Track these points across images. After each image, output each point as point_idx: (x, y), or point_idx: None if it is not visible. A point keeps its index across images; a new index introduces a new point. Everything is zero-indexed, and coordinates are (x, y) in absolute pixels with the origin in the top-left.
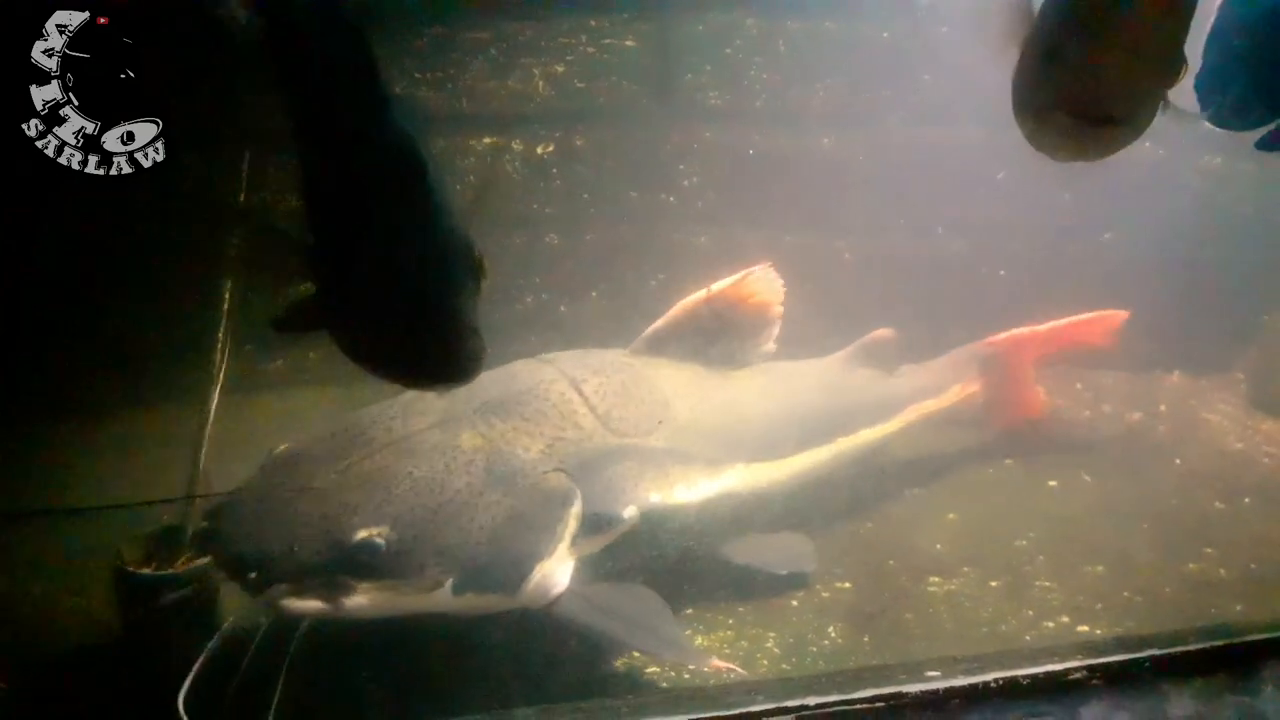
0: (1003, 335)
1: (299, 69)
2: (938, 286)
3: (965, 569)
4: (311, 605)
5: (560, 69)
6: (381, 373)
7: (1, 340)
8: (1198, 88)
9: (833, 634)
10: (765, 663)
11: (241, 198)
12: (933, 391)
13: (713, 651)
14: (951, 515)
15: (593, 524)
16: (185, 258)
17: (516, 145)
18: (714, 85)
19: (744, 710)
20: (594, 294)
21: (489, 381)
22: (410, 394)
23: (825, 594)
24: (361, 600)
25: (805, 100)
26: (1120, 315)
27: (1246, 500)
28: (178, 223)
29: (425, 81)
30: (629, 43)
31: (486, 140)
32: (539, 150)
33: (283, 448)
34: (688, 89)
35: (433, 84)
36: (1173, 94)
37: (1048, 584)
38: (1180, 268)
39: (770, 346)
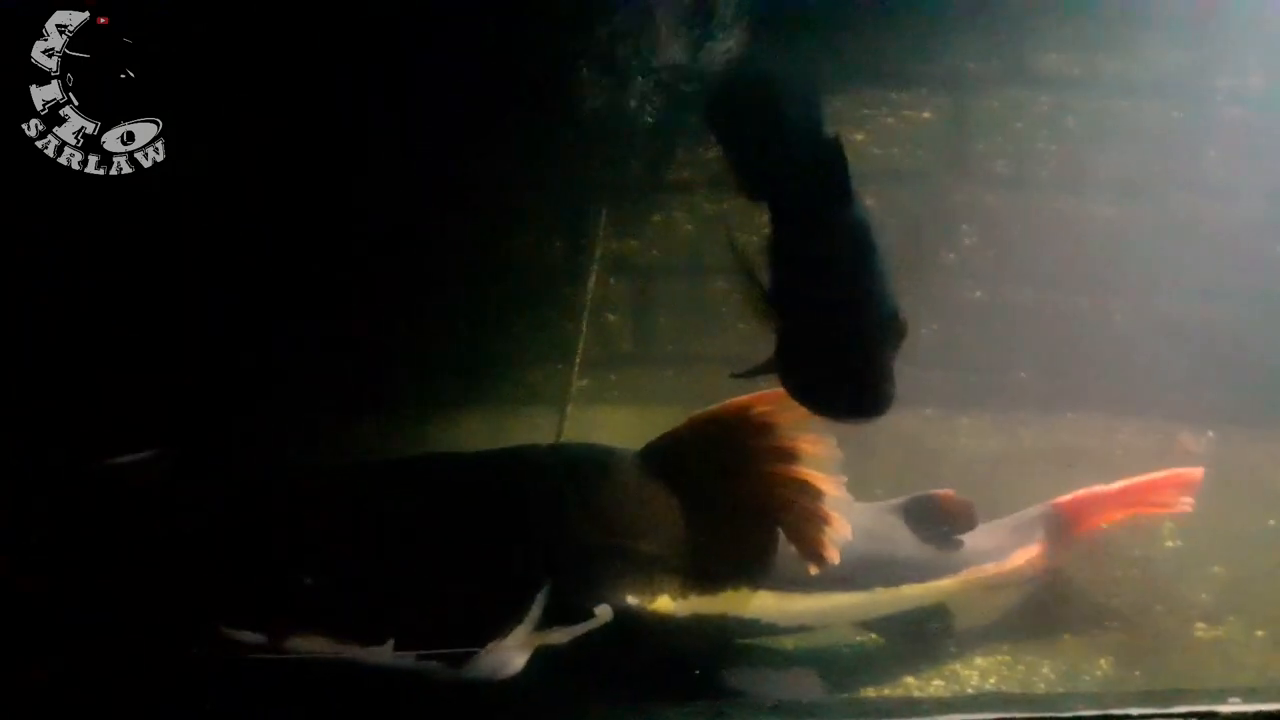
0: (1068, 496)
1: (782, 166)
2: (1207, 348)
3: (1230, 618)
4: None
5: (860, 137)
6: (819, 410)
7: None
8: None
9: (1104, 665)
10: (1042, 686)
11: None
12: (994, 555)
13: (991, 673)
14: (1217, 568)
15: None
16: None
17: None
18: (1002, 154)
19: (1072, 713)
20: None
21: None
22: None
23: (1094, 631)
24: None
25: (1089, 172)
26: (1197, 473)
27: None
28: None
29: None
30: (925, 115)
31: None
32: None
33: None
34: (978, 157)
35: None
36: None
37: None
38: None
39: None
